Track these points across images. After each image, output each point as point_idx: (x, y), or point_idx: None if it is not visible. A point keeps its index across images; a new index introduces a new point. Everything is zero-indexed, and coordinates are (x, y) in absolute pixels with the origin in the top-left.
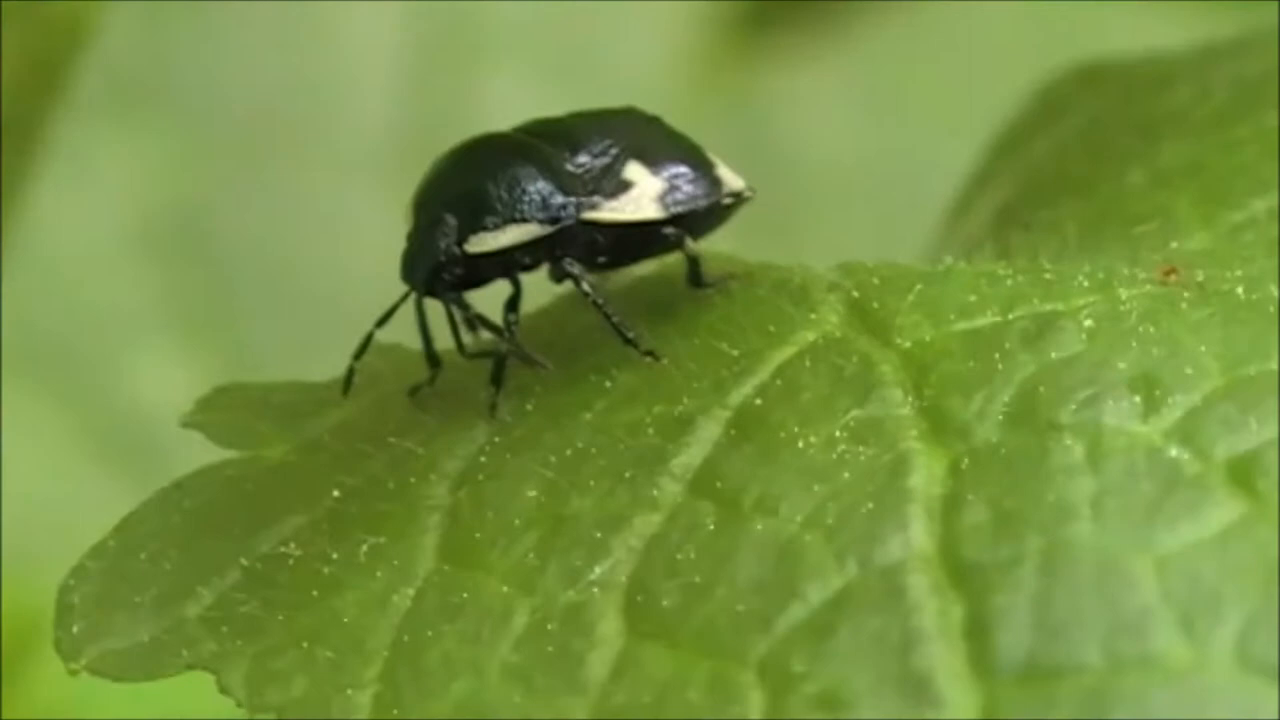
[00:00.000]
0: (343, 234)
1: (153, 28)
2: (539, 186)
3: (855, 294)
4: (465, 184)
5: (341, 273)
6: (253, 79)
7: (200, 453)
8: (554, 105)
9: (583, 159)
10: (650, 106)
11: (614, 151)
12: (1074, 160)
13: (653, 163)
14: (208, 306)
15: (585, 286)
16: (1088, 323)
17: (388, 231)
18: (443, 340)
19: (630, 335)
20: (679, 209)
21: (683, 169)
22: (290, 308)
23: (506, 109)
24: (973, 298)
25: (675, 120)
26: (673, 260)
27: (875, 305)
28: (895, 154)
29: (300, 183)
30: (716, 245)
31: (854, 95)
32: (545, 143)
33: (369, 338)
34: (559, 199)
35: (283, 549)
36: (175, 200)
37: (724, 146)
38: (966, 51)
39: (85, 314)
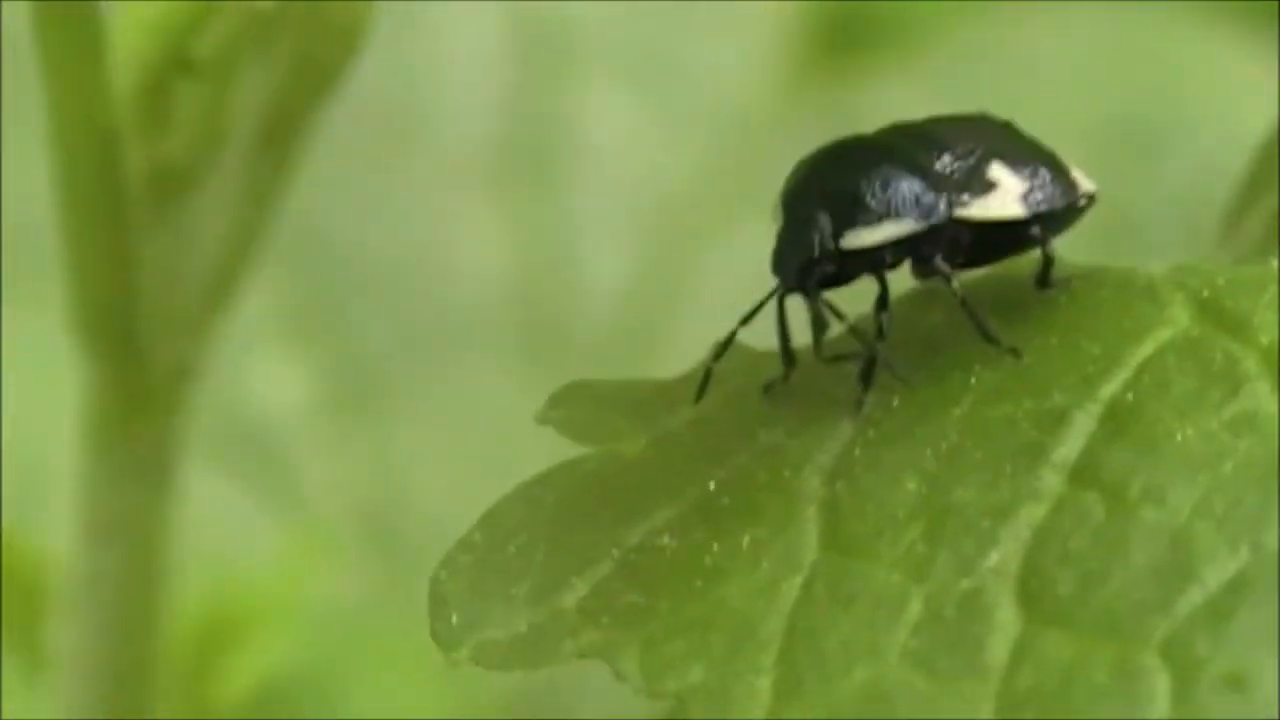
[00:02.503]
0: (449, 239)
1: None
2: (911, 185)
3: (1205, 294)
4: (839, 183)
5: (446, 274)
6: (355, 89)
7: (321, 456)
8: (647, 113)
9: (947, 159)
10: (739, 116)
11: (977, 153)
12: None
13: (1013, 164)
14: (318, 312)
15: (955, 284)
16: None
17: (489, 234)
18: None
19: (992, 333)
20: (1041, 208)
21: (1041, 170)
22: (398, 310)
23: (602, 115)
24: None
25: (765, 130)
26: (1007, 263)
27: (1228, 304)
28: None
29: (405, 190)
30: None
31: (943, 107)
32: (910, 144)
33: (731, 337)
34: (931, 197)
35: (656, 541)
36: (281, 208)
37: None
38: (1054, 61)
39: None
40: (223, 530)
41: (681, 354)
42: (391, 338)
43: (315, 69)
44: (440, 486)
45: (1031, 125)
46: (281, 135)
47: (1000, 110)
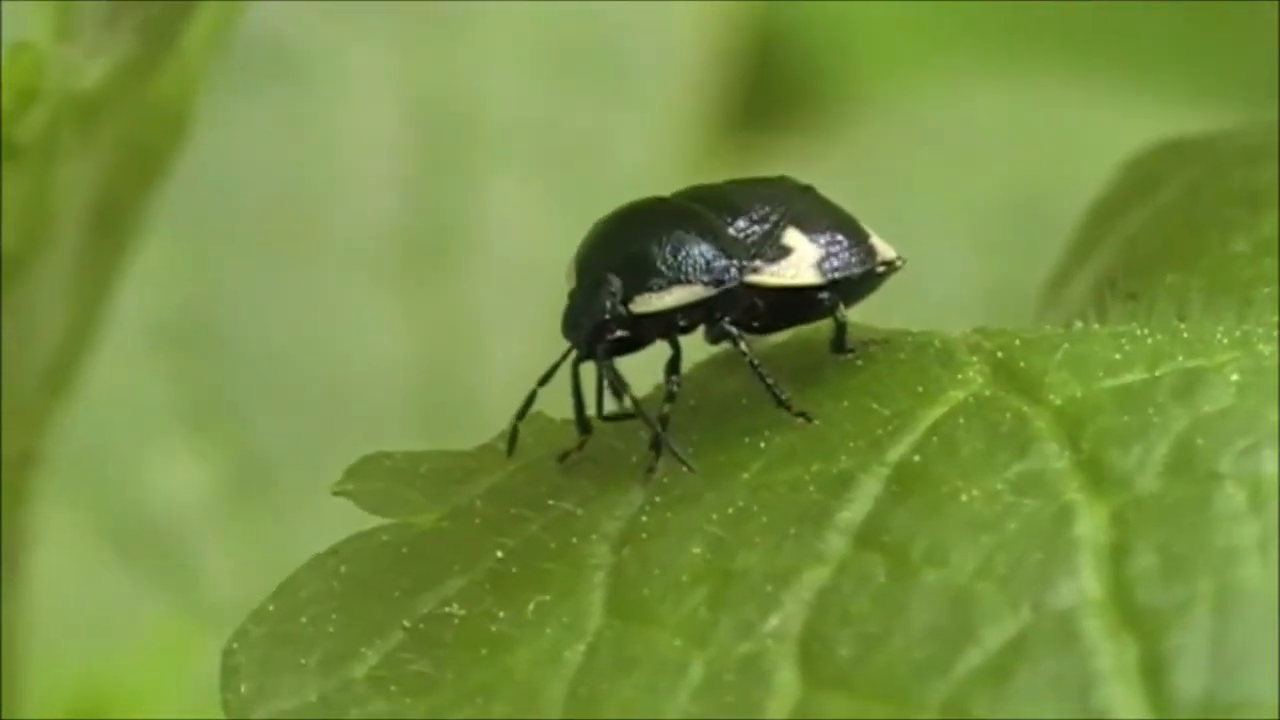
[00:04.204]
0: (349, 330)
1: None
2: (703, 249)
3: (1000, 355)
4: (630, 246)
5: (348, 367)
6: (257, 180)
7: (220, 546)
8: (550, 202)
9: (743, 224)
10: None
11: (773, 218)
12: (1174, 231)
13: (810, 230)
14: (219, 404)
15: (744, 348)
16: (1234, 377)
17: (389, 324)
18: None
19: (784, 397)
20: (835, 275)
21: (839, 237)
22: (299, 403)
23: (502, 203)
24: (1117, 356)
25: None
26: (809, 328)
27: (1022, 365)
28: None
29: (306, 282)
30: None
31: (844, 191)
32: (706, 208)
33: (533, 396)
34: (722, 262)
35: (446, 609)
36: (182, 301)
37: None
38: (953, 143)
39: (98, 414)
40: (121, 617)
41: None
42: (291, 428)
43: (142, 153)
44: None
45: (938, 201)
46: (113, 220)
47: (908, 187)
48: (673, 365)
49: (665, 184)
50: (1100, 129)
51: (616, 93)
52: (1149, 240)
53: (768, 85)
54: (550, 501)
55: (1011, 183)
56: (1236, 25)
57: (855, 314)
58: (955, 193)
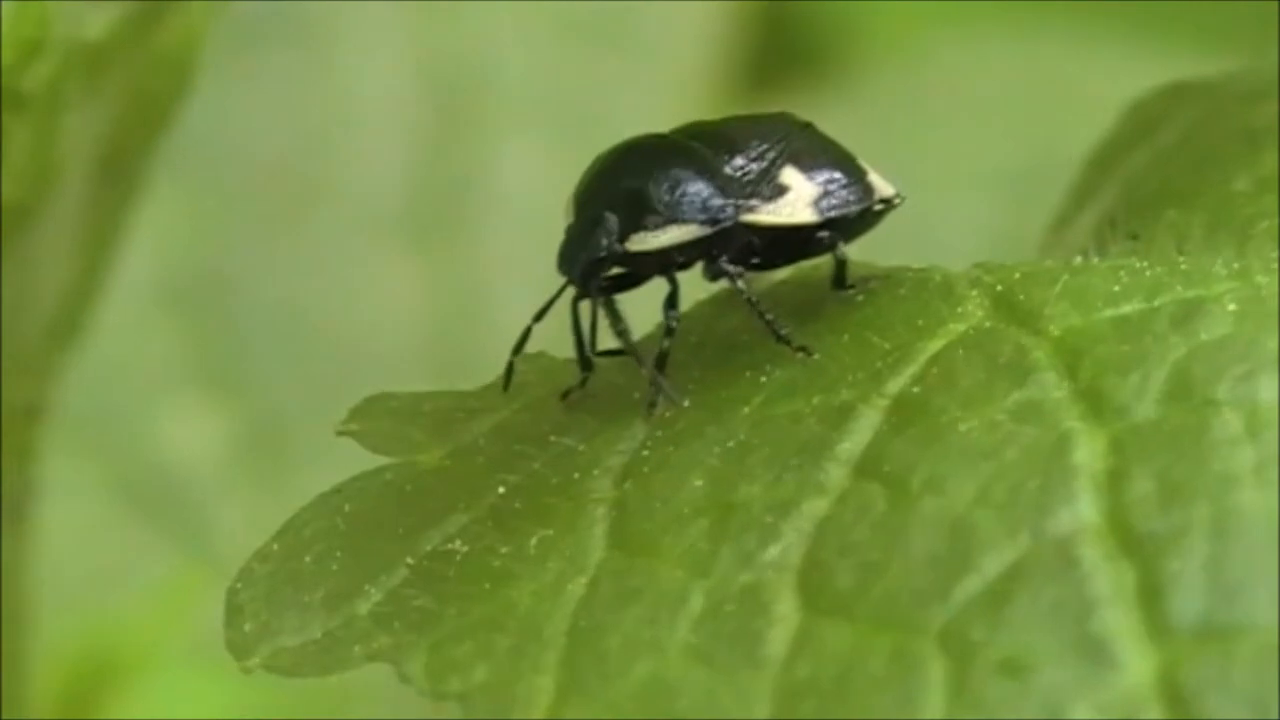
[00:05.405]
0: (361, 286)
1: None
2: (700, 188)
3: (999, 288)
4: (628, 183)
5: (360, 322)
6: (268, 139)
7: (231, 501)
8: (560, 159)
9: (740, 162)
10: None
11: (770, 156)
12: (1175, 170)
13: (807, 168)
14: (231, 359)
15: (741, 285)
16: (1231, 306)
17: (402, 281)
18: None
19: (783, 332)
20: (833, 213)
21: (836, 174)
22: (311, 358)
23: (515, 163)
24: (1116, 287)
25: None
26: (810, 265)
27: (1021, 297)
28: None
29: (318, 239)
30: None
31: (854, 141)
32: (704, 146)
33: (527, 332)
34: (719, 201)
35: (449, 546)
36: (196, 258)
37: None
38: (964, 97)
39: (111, 370)
40: (132, 571)
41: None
42: (303, 382)
43: (148, 102)
44: None
45: (946, 150)
46: (118, 170)
47: (917, 137)
48: (670, 301)
49: None
50: (1110, 80)
51: (628, 51)
52: (1150, 180)
53: (778, 42)
54: (552, 438)
55: (1020, 133)
56: None
57: (858, 255)
58: (963, 143)
